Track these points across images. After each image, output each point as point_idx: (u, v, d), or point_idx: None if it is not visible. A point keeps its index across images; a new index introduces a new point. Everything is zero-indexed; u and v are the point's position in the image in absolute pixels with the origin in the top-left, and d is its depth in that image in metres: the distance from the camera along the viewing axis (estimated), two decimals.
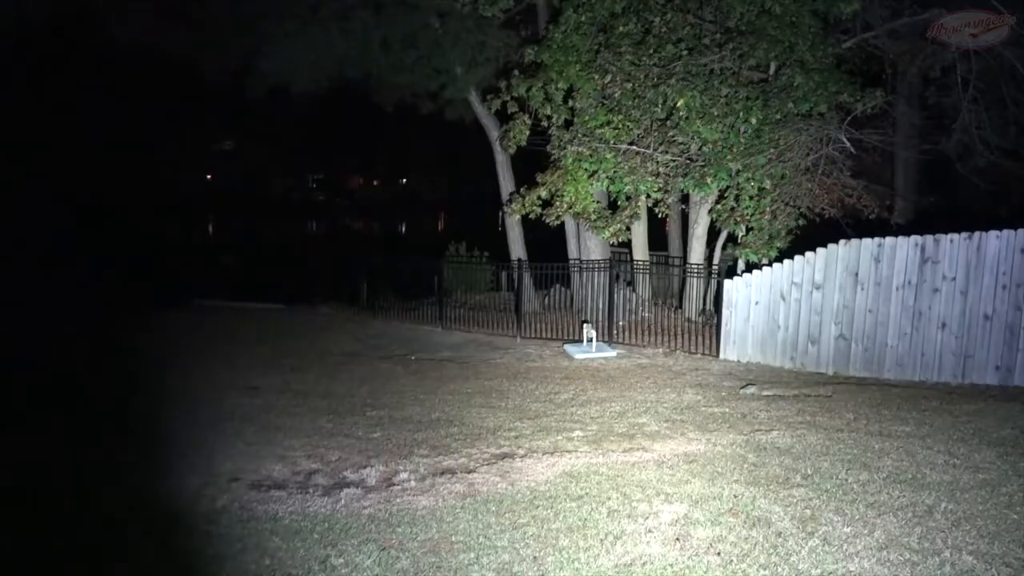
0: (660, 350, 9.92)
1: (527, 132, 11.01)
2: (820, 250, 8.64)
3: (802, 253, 8.83)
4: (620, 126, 9.98)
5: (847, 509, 4.14)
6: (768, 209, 9.72)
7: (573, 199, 10.45)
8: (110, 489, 4.67)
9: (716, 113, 9.45)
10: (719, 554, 3.64)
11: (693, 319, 10.98)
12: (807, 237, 9.60)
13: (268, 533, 4.01)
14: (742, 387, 7.70)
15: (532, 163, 11.93)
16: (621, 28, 9.67)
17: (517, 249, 13.50)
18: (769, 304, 9.02)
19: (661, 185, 10.32)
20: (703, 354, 9.56)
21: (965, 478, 4.59)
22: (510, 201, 11.99)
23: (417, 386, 8.08)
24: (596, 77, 9.97)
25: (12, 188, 29.38)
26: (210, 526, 4.10)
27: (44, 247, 23.96)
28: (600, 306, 10.86)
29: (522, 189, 11.65)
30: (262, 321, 12.76)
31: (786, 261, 8.97)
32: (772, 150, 9.50)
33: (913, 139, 12.15)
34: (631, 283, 12.65)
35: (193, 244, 34.88)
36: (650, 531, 3.92)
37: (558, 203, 10.77)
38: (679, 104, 9.49)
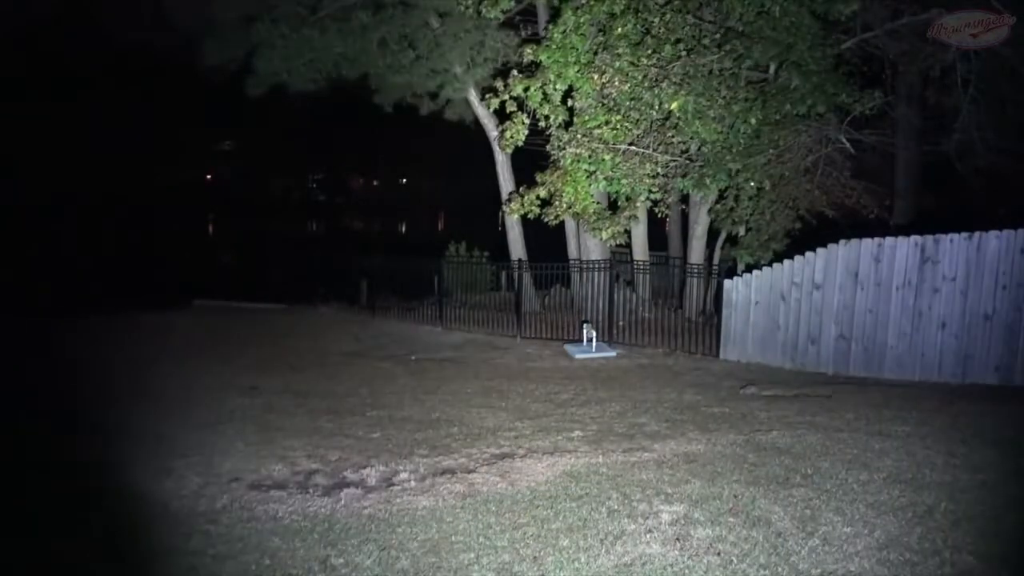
0: (660, 350, 9.92)
1: (525, 132, 10.99)
2: (820, 250, 8.64)
3: (802, 253, 8.83)
4: (619, 127, 9.97)
5: (847, 509, 4.14)
6: (767, 210, 9.72)
7: (572, 199, 10.45)
8: (111, 488, 4.67)
9: (712, 115, 9.45)
10: (719, 554, 3.64)
11: (693, 319, 10.98)
12: (806, 237, 9.60)
13: (268, 533, 4.01)
14: (742, 387, 7.69)
15: (533, 163, 11.93)
16: (619, 29, 9.65)
17: (517, 249, 13.50)
18: (769, 304, 9.02)
19: (660, 186, 10.32)
20: (703, 354, 9.56)
21: (965, 478, 4.58)
22: (509, 201, 11.99)
23: (417, 386, 8.08)
24: (595, 77, 9.96)
25: (12, 189, 29.38)
26: (210, 526, 4.10)
27: (44, 247, 23.97)
28: (600, 306, 10.86)
29: (521, 189, 11.65)
30: (262, 321, 12.76)
31: (786, 261, 8.97)
32: (772, 151, 9.50)
33: (913, 139, 12.13)
34: (631, 283, 12.65)
35: (193, 244, 34.87)
36: (650, 531, 3.92)
37: (557, 203, 10.77)
38: (673, 107, 9.48)
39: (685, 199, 12.21)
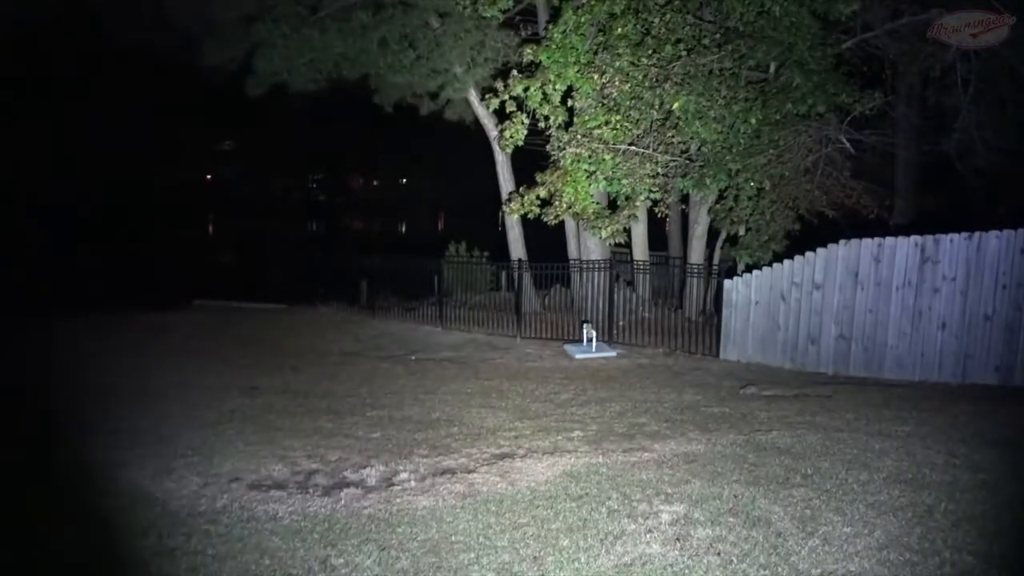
0: (660, 350, 9.92)
1: (524, 132, 10.99)
2: (820, 250, 8.64)
3: (802, 253, 8.83)
4: (619, 127, 9.97)
5: (847, 509, 4.14)
6: (767, 210, 9.72)
7: (572, 199, 10.45)
8: (111, 487, 4.67)
9: (713, 115, 9.45)
10: (719, 554, 3.64)
11: (693, 319, 10.98)
12: (806, 237, 9.60)
13: (268, 533, 4.01)
14: (742, 387, 7.70)
15: (533, 163, 11.93)
16: (619, 30, 9.66)
17: (517, 249, 13.50)
18: (769, 304, 9.02)
19: (660, 186, 10.32)
20: (703, 354, 9.56)
21: (965, 478, 4.58)
22: (509, 201, 11.99)
23: (417, 386, 8.08)
24: (595, 77, 9.96)
25: (13, 189, 29.39)
26: (210, 526, 4.10)
27: (43, 246, 23.98)
28: (600, 306, 10.87)
29: (521, 189, 11.65)
30: (262, 321, 12.76)
31: (786, 261, 8.97)
32: (772, 151, 9.51)
33: (913, 139, 12.14)
34: (631, 283, 12.65)
35: (193, 244, 34.89)
36: (650, 531, 3.92)
37: (557, 203, 10.77)
38: (675, 107, 9.49)
39: (685, 199, 12.21)
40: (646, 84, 9.74)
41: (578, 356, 9.67)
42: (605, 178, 10.13)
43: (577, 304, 12.64)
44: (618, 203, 10.94)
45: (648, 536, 3.86)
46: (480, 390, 7.82)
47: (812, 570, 3.48)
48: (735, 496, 4.34)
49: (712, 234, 11.63)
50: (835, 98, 9.29)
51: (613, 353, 9.75)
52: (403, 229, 50.10)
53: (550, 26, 10.64)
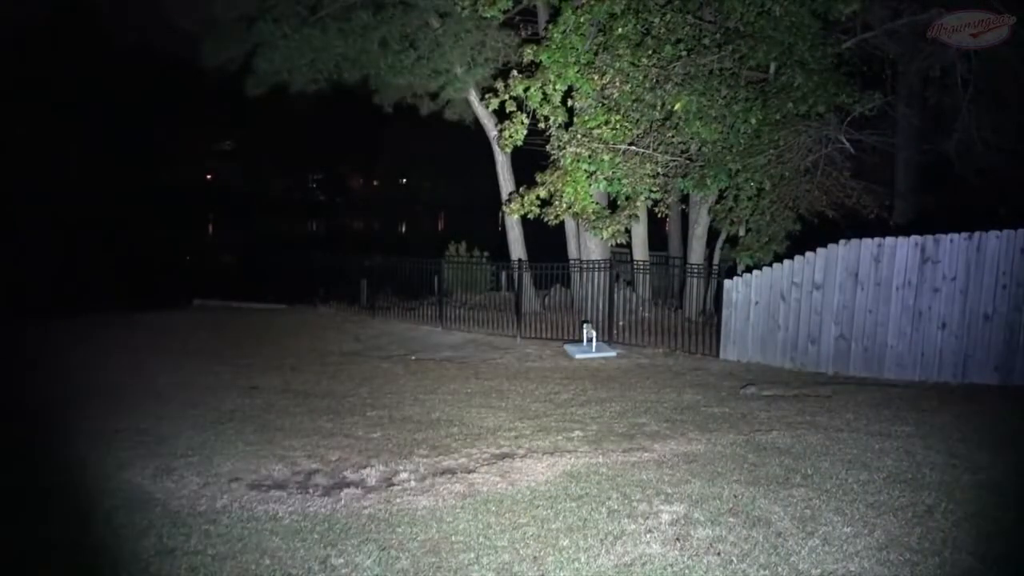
0: (660, 350, 9.92)
1: (524, 132, 10.98)
2: (820, 250, 8.64)
3: (802, 253, 8.83)
4: (618, 127, 9.97)
5: (847, 509, 4.14)
6: (767, 211, 9.72)
7: (572, 199, 10.44)
8: (111, 487, 4.67)
9: (714, 115, 9.45)
10: (719, 554, 3.65)
11: (693, 319, 10.98)
12: (806, 237, 9.60)
13: (268, 533, 4.01)
14: (742, 387, 7.69)
15: (533, 163, 11.93)
16: (619, 30, 9.65)
17: (517, 249, 13.50)
18: (769, 304, 9.02)
19: (660, 186, 10.32)
20: (703, 354, 9.56)
21: (965, 478, 4.59)
22: (509, 201, 11.99)
23: (417, 386, 8.08)
24: (596, 77, 9.96)
25: (13, 189, 29.38)
26: (210, 526, 4.10)
27: (44, 247, 23.98)
28: (600, 306, 10.87)
29: (521, 189, 11.64)
30: (262, 321, 12.76)
31: (786, 261, 8.97)
32: (772, 151, 9.51)
33: (913, 139, 12.13)
34: (631, 283, 12.65)
35: (193, 244, 34.90)
36: (650, 531, 3.92)
37: (557, 203, 10.77)
38: (676, 107, 9.49)
39: (685, 199, 12.21)
40: (646, 85, 9.73)
41: (578, 356, 9.68)
42: (605, 178, 10.13)
43: (577, 304, 12.64)
44: (618, 203, 10.94)
45: (648, 536, 3.86)
46: (480, 390, 7.82)
47: (812, 570, 3.48)
48: (735, 496, 4.34)
49: (712, 234, 11.64)
50: (835, 98, 9.28)
51: (613, 353, 9.75)
52: (403, 229, 50.16)
53: (550, 26, 10.62)
